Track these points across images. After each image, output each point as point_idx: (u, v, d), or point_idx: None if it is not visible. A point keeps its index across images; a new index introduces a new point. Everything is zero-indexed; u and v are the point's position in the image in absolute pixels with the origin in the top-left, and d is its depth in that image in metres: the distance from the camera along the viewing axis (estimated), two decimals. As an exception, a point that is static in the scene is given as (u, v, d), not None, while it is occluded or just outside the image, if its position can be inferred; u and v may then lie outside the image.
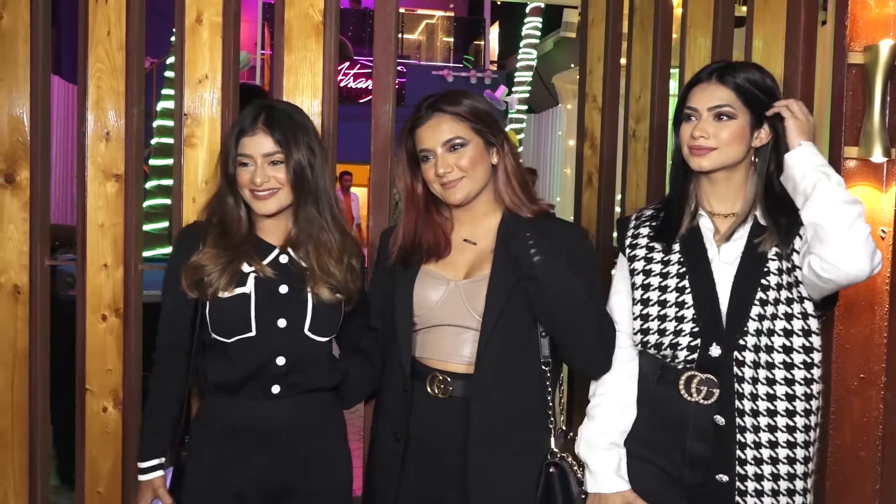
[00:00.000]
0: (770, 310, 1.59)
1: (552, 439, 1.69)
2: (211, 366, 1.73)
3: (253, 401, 1.72)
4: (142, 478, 1.73)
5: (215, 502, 1.71)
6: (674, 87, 2.67)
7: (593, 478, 1.68)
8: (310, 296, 1.73)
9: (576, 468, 1.69)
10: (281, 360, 1.70)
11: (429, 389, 1.68)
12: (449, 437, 1.66)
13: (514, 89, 9.40)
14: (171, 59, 5.40)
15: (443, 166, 1.66)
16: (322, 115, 2.08)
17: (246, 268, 1.71)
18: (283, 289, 1.72)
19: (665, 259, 1.67)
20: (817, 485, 2.09)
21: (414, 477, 1.71)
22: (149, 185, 6.12)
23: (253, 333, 1.70)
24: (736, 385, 1.59)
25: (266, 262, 1.73)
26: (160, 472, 1.73)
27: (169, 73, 6.09)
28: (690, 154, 1.63)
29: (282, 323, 1.71)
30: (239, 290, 1.70)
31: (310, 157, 1.72)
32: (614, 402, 1.69)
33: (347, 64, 11.77)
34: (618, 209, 2.92)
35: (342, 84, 11.59)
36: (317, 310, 1.73)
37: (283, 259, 1.75)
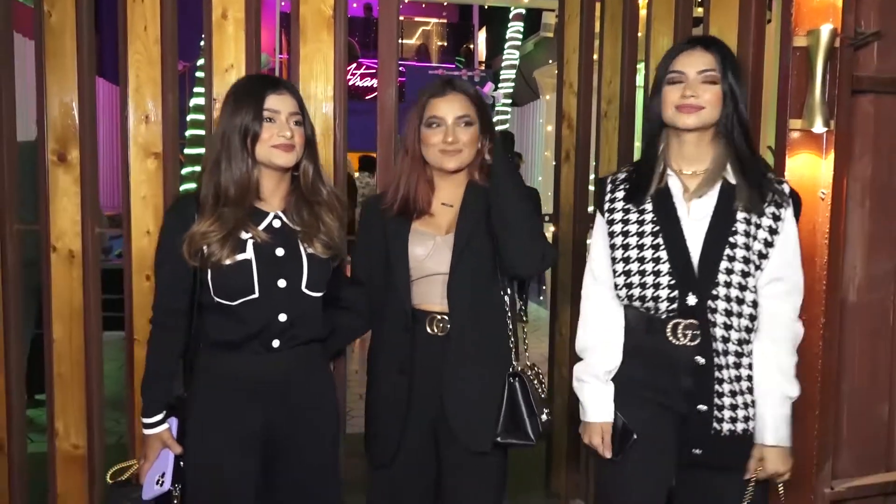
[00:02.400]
0: (738, 266, 1.57)
1: (514, 357, 1.76)
2: (213, 325, 1.64)
3: (255, 355, 1.64)
4: (149, 432, 1.64)
5: (218, 448, 1.64)
6: (639, 79, 2.65)
7: (583, 409, 1.69)
8: (304, 255, 1.66)
9: (535, 382, 1.76)
10: (283, 317, 1.63)
11: (429, 329, 1.71)
12: (443, 367, 1.71)
13: (499, 86, 9.32)
14: (201, 62, 5.35)
15: (452, 135, 1.68)
16: (334, 98, 2.06)
17: (243, 234, 1.61)
18: (280, 251, 1.64)
19: (640, 219, 1.63)
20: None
21: (416, 407, 1.73)
22: (184, 171, 6.07)
23: (256, 295, 1.61)
24: (711, 329, 1.58)
25: (261, 227, 1.64)
26: (166, 425, 1.65)
27: (200, 74, 6.03)
28: (678, 113, 1.58)
29: (282, 283, 1.63)
30: (240, 257, 1.60)
31: (312, 127, 1.70)
32: (598, 344, 1.68)
33: (355, 65, 11.65)
34: (592, 176, 2.90)
35: (350, 83, 11.48)
36: (311, 268, 1.66)
37: (277, 223, 1.66)
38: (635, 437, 1.62)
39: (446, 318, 1.71)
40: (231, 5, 2.03)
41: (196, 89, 6.17)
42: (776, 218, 1.60)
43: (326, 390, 1.76)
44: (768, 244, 1.59)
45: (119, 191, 2.18)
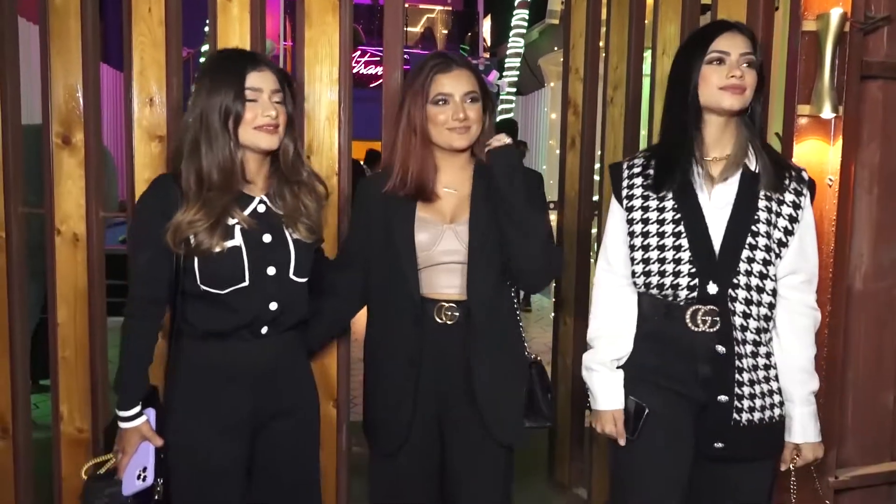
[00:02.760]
0: (760, 255, 1.56)
1: (525, 345, 1.77)
2: (198, 314, 1.57)
3: (243, 342, 1.59)
4: (127, 425, 1.56)
5: (205, 437, 1.59)
6: (645, 67, 2.64)
7: (593, 397, 1.69)
8: (290, 241, 1.62)
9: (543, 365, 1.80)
10: (274, 306, 1.59)
11: (437, 318, 1.69)
12: (455, 353, 1.70)
13: (504, 74, 9.29)
14: (205, 48, 5.35)
15: (462, 112, 1.64)
16: (339, 81, 2.05)
17: (230, 220, 1.55)
18: (267, 238, 1.59)
19: (660, 206, 1.61)
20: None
21: (423, 396, 1.72)
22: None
23: (246, 283, 1.56)
24: (731, 318, 1.57)
25: (247, 212, 1.58)
26: (144, 417, 1.58)
27: (204, 60, 6.02)
28: (723, 93, 1.55)
29: (271, 270, 1.59)
30: (229, 244, 1.54)
31: (293, 105, 1.63)
32: (608, 333, 1.68)
33: (359, 52, 11.60)
34: (597, 165, 2.89)
35: (354, 70, 11.41)
36: (298, 254, 1.62)
37: (261, 208, 1.60)
38: (647, 411, 1.62)
39: (454, 305, 1.69)
40: (236, -13, 2.02)
41: (200, 76, 6.16)
42: (796, 206, 1.59)
43: (308, 374, 1.75)
44: (788, 232, 1.59)
45: (123, 174, 2.16)
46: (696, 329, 1.59)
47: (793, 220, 1.59)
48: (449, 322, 1.69)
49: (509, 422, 1.72)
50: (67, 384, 2.11)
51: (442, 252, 1.69)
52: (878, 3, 2.07)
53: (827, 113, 1.95)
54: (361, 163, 7.13)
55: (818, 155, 2.01)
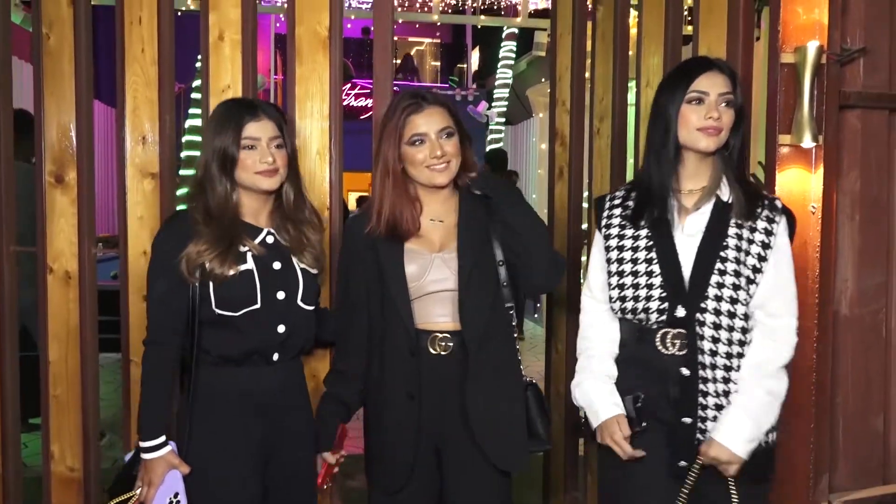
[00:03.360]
0: (730, 280, 1.58)
1: (521, 369, 1.77)
2: (213, 341, 1.65)
3: (255, 368, 1.68)
4: (151, 456, 1.61)
5: (227, 467, 1.65)
6: (630, 97, 2.68)
7: (594, 413, 1.67)
8: (298, 270, 1.73)
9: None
10: (281, 328, 1.68)
11: (432, 350, 1.69)
12: (451, 384, 1.69)
13: (493, 104, 9.40)
14: (196, 83, 5.40)
15: (440, 149, 1.66)
16: (330, 117, 2.08)
17: (242, 248, 1.67)
18: (277, 265, 1.70)
19: (635, 235, 1.66)
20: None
21: (423, 430, 1.70)
22: (179, 192, 6.07)
23: (258, 306, 1.66)
24: (698, 342, 1.59)
25: (256, 241, 1.70)
26: (169, 447, 1.63)
27: (195, 95, 6.07)
28: (700, 134, 1.59)
29: (280, 295, 1.69)
30: (243, 267, 1.66)
31: (293, 145, 1.74)
32: (596, 353, 1.70)
33: (349, 85, 11.71)
34: (585, 193, 2.92)
35: (344, 103, 11.48)
36: (306, 282, 1.73)
37: (270, 239, 1.72)
38: (642, 396, 1.62)
39: (448, 336, 1.69)
40: (228, 27, 2.06)
41: (191, 110, 6.21)
42: (768, 233, 1.62)
43: (307, 397, 1.81)
44: (762, 258, 1.61)
45: (114, 212, 2.17)
46: (665, 352, 1.62)
47: (766, 246, 1.61)
48: (443, 353, 1.69)
49: (508, 448, 1.72)
50: (59, 423, 2.09)
51: (432, 281, 1.69)
52: (854, 36, 2.13)
53: (807, 142, 1.99)
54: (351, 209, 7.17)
55: (800, 183, 2.05)
